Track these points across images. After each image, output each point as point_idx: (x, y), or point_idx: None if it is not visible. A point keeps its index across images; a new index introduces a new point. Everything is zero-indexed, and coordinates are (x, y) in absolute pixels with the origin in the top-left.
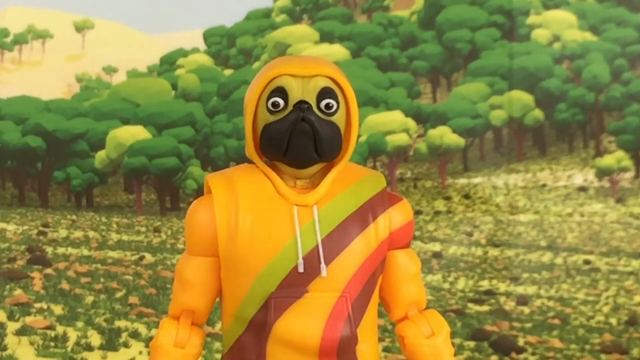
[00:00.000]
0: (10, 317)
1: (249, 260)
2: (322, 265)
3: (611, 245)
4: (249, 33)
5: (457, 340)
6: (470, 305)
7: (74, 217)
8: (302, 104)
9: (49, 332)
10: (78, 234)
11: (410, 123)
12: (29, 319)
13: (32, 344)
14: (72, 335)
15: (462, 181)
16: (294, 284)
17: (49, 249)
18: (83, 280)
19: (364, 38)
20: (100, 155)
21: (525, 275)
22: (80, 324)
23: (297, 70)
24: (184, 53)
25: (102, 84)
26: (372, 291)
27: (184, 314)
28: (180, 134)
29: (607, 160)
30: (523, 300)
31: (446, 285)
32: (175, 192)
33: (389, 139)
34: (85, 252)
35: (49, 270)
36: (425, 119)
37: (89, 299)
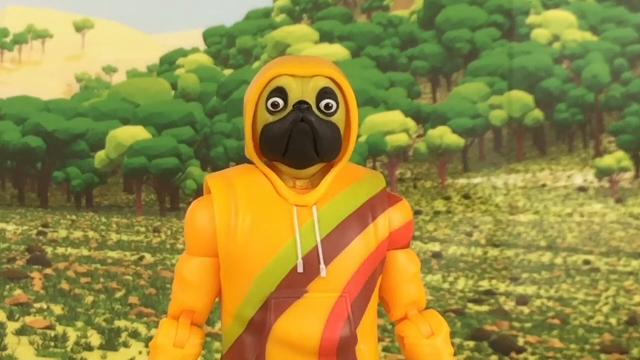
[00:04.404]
0: (10, 317)
1: (249, 260)
2: (322, 265)
3: (611, 246)
4: (249, 33)
5: (457, 341)
6: (470, 305)
7: (73, 217)
8: (301, 105)
9: (49, 332)
10: (78, 234)
11: (410, 123)
12: (29, 319)
13: (32, 344)
14: (72, 335)
15: (462, 181)
16: (294, 285)
17: (49, 249)
18: (83, 280)
19: (364, 38)
20: (100, 155)
21: (525, 275)
22: (80, 324)
23: (297, 70)
24: (184, 53)
25: (102, 84)
26: (371, 291)
27: (184, 314)
28: (180, 134)
29: (607, 161)
30: (523, 300)
31: (446, 286)
32: (175, 192)
33: (388, 139)
34: (85, 252)
35: (48, 271)
36: (425, 119)
37: (89, 299)
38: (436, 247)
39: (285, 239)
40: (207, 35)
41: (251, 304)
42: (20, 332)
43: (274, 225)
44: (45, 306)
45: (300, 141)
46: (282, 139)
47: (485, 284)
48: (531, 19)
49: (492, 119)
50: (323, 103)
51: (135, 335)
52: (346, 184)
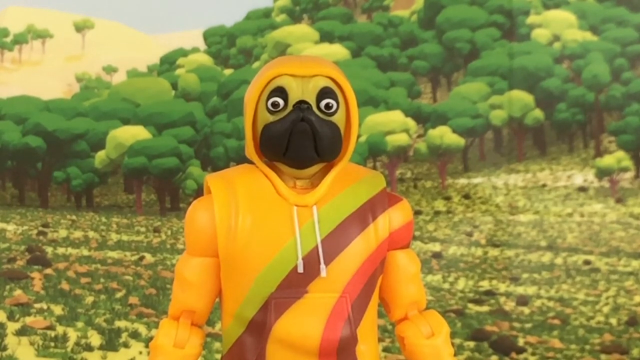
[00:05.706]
0: (10, 317)
1: (249, 260)
2: (322, 265)
3: (611, 246)
4: (249, 33)
5: (457, 341)
6: (470, 305)
7: (73, 217)
8: (301, 104)
9: (49, 332)
10: (78, 234)
11: (410, 123)
12: (29, 319)
13: (32, 344)
14: (72, 335)
15: (462, 181)
16: (294, 285)
17: (49, 249)
18: (83, 280)
19: (364, 38)
20: (100, 155)
21: (525, 275)
22: (80, 324)
23: (297, 70)
24: (184, 53)
25: (102, 84)
26: (371, 291)
27: (184, 314)
28: (180, 134)
29: (607, 161)
30: (523, 300)
31: (446, 286)
32: (175, 192)
33: (389, 139)
34: (85, 252)
35: (48, 271)
36: (425, 119)
37: (89, 299)
38: (436, 247)
39: (286, 239)
40: (207, 35)
41: (251, 304)
42: (20, 332)
43: (274, 225)
44: (45, 306)
45: (300, 141)
46: (282, 139)
47: (485, 284)
48: (531, 19)
49: (492, 119)
50: (323, 103)
51: (135, 335)
52: (346, 184)
